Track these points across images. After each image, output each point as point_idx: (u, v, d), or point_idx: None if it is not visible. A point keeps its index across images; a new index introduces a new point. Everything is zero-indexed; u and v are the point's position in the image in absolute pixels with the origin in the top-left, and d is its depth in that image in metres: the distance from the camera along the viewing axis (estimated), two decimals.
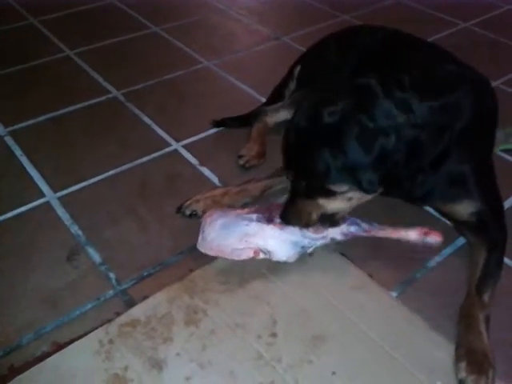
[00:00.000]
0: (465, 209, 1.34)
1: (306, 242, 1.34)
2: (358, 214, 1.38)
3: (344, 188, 1.23)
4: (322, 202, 1.27)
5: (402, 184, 1.31)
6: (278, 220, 1.34)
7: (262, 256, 1.32)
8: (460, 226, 1.42)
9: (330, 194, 1.25)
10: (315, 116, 1.19)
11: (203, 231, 1.36)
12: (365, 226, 1.38)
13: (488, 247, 1.32)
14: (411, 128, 1.18)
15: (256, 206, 1.42)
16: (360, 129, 1.14)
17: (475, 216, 1.33)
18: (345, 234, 1.37)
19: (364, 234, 1.39)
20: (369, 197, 1.29)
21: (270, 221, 1.34)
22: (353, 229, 1.37)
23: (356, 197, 1.27)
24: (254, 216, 1.35)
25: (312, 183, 1.25)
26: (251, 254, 1.31)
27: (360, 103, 1.17)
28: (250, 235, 1.32)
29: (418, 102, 1.20)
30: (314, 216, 1.30)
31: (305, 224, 1.31)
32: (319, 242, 1.36)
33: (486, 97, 1.40)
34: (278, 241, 1.32)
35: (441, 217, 1.52)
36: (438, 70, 1.36)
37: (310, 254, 1.37)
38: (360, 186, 1.20)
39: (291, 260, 1.34)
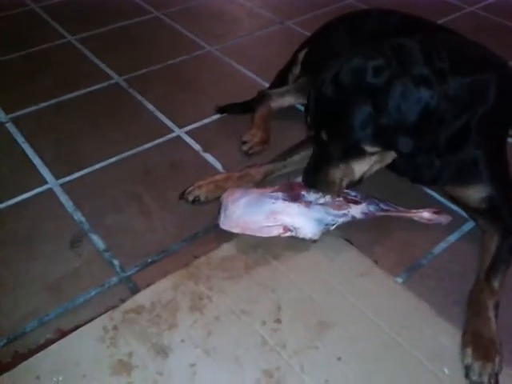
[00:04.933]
0: (476, 193, 1.33)
1: (329, 219, 1.36)
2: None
3: (376, 149, 1.23)
4: (354, 164, 1.27)
5: (415, 158, 1.31)
6: (303, 198, 1.36)
7: (288, 233, 1.33)
8: (472, 212, 1.41)
9: (362, 155, 1.25)
10: (359, 71, 1.17)
11: (226, 209, 1.37)
12: (382, 205, 1.43)
13: (501, 233, 1.30)
14: (444, 100, 1.17)
15: (277, 186, 1.43)
16: (405, 90, 1.13)
17: (487, 201, 1.32)
18: (365, 213, 1.40)
19: (382, 214, 1.42)
20: (388, 161, 1.30)
21: (295, 199, 1.36)
22: (372, 208, 1.40)
23: (379, 159, 1.29)
24: (280, 194, 1.37)
25: (346, 143, 1.23)
26: (281, 231, 1.33)
27: (404, 65, 1.16)
28: (277, 212, 1.34)
29: (452, 76, 1.20)
30: (345, 183, 1.31)
31: (336, 192, 1.33)
32: (341, 220, 1.38)
33: (508, 83, 1.38)
34: (304, 218, 1.34)
35: (447, 201, 1.51)
36: (464, 51, 1.35)
37: (315, 241, 1.36)
38: (395, 148, 1.21)
39: (316, 237, 1.35)
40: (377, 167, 1.32)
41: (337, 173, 1.29)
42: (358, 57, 1.20)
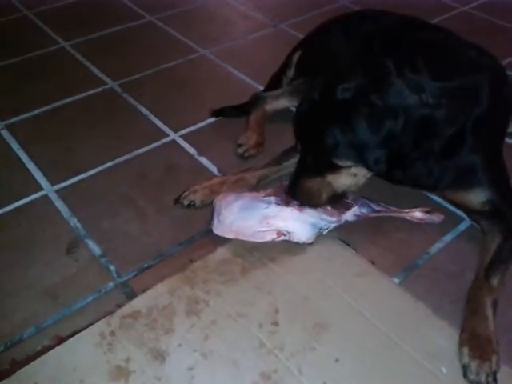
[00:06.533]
0: (477, 198, 1.33)
1: (322, 223, 1.37)
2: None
3: (349, 163, 1.26)
4: (329, 178, 1.31)
5: (411, 167, 1.31)
6: (295, 202, 1.37)
7: (282, 238, 1.33)
8: (474, 214, 1.41)
9: (336, 169, 1.28)
10: (329, 91, 1.22)
11: (219, 214, 1.37)
12: (374, 206, 1.43)
13: (503, 234, 1.30)
14: (422, 108, 1.19)
15: (270, 189, 1.43)
16: (370, 108, 1.17)
17: (488, 205, 1.32)
18: (357, 215, 1.41)
19: (374, 215, 1.43)
20: (369, 174, 1.32)
21: (288, 203, 1.36)
22: (364, 210, 1.41)
23: (360, 173, 1.30)
24: (273, 199, 1.37)
25: (320, 157, 1.28)
26: (274, 236, 1.33)
27: (373, 82, 1.19)
28: (270, 217, 1.34)
29: (431, 82, 1.21)
30: (325, 196, 1.34)
31: (315, 204, 1.35)
32: (333, 225, 1.39)
33: (503, 85, 1.38)
34: (297, 222, 1.34)
35: (441, 200, 1.51)
36: (453, 53, 1.36)
37: (311, 243, 1.37)
38: (365, 164, 1.24)
39: (309, 241, 1.36)
40: (361, 181, 1.34)
41: (314, 185, 1.33)
42: (331, 77, 1.25)
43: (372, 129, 1.18)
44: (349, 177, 1.32)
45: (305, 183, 1.34)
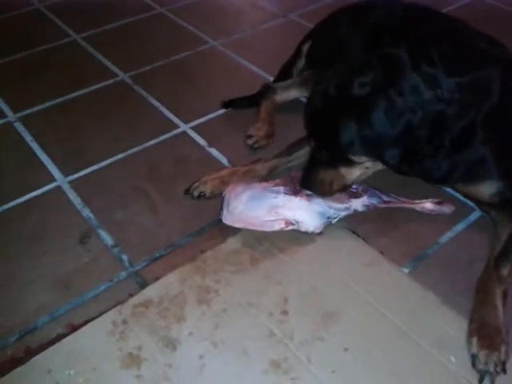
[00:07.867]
0: (487, 190, 1.32)
1: (331, 212, 1.37)
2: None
3: (364, 159, 1.27)
4: (342, 171, 1.31)
5: (423, 161, 1.31)
6: (304, 191, 1.38)
7: (290, 227, 1.34)
8: (484, 206, 1.40)
9: (350, 164, 1.29)
10: (345, 85, 1.21)
11: (228, 204, 1.38)
12: (384, 197, 1.43)
13: None
14: (437, 103, 1.19)
15: (278, 180, 1.44)
16: (388, 103, 1.17)
17: (498, 196, 1.32)
18: (366, 206, 1.41)
19: (383, 205, 1.43)
20: (380, 166, 1.32)
21: (296, 193, 1.37)
22: (374, 200, 1.42)
23: (372, 166, 1.32)
24: (281, 188, 1.38)
25: (334, 152, 1.28)
26: (283, 225, 1.34)
27: (389, 76, 1.19)
28: (278, 207, 1.35)
29: (445, 78, 1.20)
30: (336, 187, 1.34)
31: (326, 193, 1.35)
32: (343, 214, 1.39)
33: None
34: (306, 211, 1.35)
35: (452, 192, 1.51)
36: (464, 45, 1.35)
37: (320, 233, 1.37)
38: (382, 159, 1.24)
39: (318, 230, 1.37)
40: (371, 171, 1.35)
41: (326, 177, 1.33)
42: (345, 70, 1.24)
43: (391, 124, 1.17)
44: (362, 170, 1.33)
45: (318, 175, 1.34)
